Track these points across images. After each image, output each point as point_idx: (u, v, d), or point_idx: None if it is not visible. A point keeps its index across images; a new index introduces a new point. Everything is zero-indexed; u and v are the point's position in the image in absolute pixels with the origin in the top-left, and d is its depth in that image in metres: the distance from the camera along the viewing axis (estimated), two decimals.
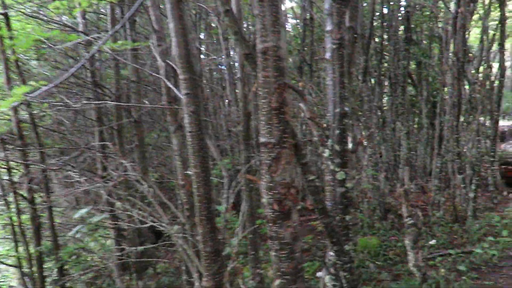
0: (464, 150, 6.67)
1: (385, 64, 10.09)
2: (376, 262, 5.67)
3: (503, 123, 19.63)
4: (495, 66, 9.79)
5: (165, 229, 3.67)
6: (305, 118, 4.42)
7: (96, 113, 5.99)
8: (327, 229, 2.41)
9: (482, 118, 7.88)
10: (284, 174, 2.14)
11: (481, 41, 8.89)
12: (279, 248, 2.21)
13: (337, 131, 2.59)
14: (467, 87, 7.31)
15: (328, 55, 2.63)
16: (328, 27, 2.62)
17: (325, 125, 2.81)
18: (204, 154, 2.53)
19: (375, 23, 9.59)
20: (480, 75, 8.04)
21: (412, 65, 11.45)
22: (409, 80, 11.21)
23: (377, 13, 9.31)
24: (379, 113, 8.59)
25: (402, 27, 9.57)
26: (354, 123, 10.58)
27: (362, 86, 6.44)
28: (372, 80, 8.65)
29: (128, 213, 3.92)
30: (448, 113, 6.05)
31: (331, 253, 2.55)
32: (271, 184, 2.15)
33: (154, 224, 3.78)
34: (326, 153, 2.59)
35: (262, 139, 2.11)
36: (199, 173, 2.51)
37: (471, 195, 5.95)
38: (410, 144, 10.01)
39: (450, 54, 6.13)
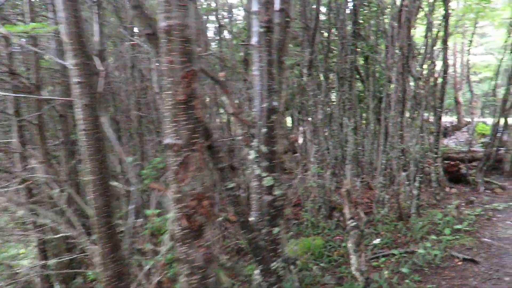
0: (409, 145, 6.61)
1: (333, 59, 9.96)
2: (320, 264, 5.44)
3: (446, 119, 20.38)
4: (439, 63, 9.93)
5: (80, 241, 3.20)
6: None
7: (14, 105, 5.29)
8: (250, 245, 2.04)
9: (426, 114, 7.89)
10: (194, 182, 1.73)
11: (426, 37, 8.95)
12: (189, 273, 1.81)
13: (264, 130, 2.21)
14: (412, 83, 7.30)
15: (254, 40, 2.25)
16: (254, 7, 2.23)
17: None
18: (102, 158, 2.07)
19: (323, 17, 9.43)
20: (425, 71, 8.08)
21: (360, 61, 11.44)
22: (357, 75, 11.18)
23: (325, 7, 9.13)
24: (327, 109, 8.43)
25: (350, 22, 9.47)
26: (305, 118, 10.31)
27: (307, 81, 6.17)
28: (321, 75, 8.47)
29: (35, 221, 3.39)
30: (393, 109, 5.93)
31: (257, 272, 2.20)
32: (178, 195, 1.74)
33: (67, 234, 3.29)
34: (252, 155, 2.22)
35: (166, 140, 1.70)
36: (95, 180, 2.05)
37: (415, 192, 5.87)
38: (357, 140, 9.96)
39: (396, 49, 5.99)
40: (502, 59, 10.62)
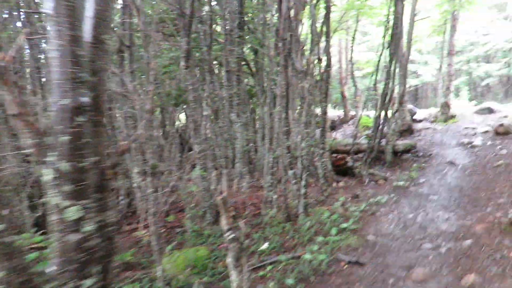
0: (297, 141, 6.36)
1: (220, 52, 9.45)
2: (203, 279, 4.86)
3: (334, 113, 21.33)
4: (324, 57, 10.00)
5: None
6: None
7: None
8: None
9: (313, 109, 7.77)
10: None
11: (311, 32, 8.90)
12: None
13: (65, 138, 1.51)
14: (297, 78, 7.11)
15: (49, 6, 1.52)
16: None
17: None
18: None
19: (207, 6, 8.83)
20: (311, 65, 7.98)
21: (251, 54, 11.12)
22: (248, 69, 10.86)
23: None
24: (213, 104, 7.88)
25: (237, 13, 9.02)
26: (189, 115, 9.59)
27: (184, 73, 5.51)
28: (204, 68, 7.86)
29: None
30: (278, 104, 5.59)
31: None
32: None
33: None
34: (47, 175, 1.50)
35: None
36: None
37: (302, 191, 5.61)
38: (249, 137, 9.60)
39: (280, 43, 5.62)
40: (380, 55, 11.17)
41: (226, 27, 8.28)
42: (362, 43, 24.68)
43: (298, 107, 6.31)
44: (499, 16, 30.01)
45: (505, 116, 14.32)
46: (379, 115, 9.26)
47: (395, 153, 11.36)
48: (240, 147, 8.25)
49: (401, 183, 8.21)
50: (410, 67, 32.24)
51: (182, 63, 5.46)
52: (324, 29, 8.74)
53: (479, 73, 32.58)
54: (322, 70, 7.08)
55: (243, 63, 10.10)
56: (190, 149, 10.35)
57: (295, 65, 5.74)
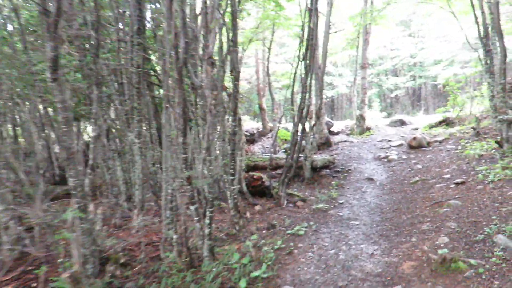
0: (199, 170, 5.36)
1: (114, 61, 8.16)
2: None
3: (253, 125, 20.75)
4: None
5: None
6: None
7: None
8: None
9: (222, 128, 6.86)
10: None
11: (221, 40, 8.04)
12: None
13: None
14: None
15: None
16: None
17: None
18: None
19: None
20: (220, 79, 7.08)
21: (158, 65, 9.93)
22: (157, 80, 9.68)
23: None
24: (101, 122, 6.60)
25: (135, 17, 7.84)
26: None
27: (53, 87, 4.27)
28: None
29: None
30: (173, 126, 4.57)
31: None
32: None
33: None
34: None
35: None
36: None
37: (206, 231, 4.62)
38: (155, 157, 8.38)
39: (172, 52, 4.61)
40: (296, 67, 10.68)
41: (120, 33, 7.08)
42: (280, 54, 24.58)
43: (200, 129, 5.34)
44: (405, 33, 31.97)
45: (416, 128, 14.71)
46: (296, 131, 8.63)
47: (314, 169, 10.89)
48: (139, 172, 7.04)
49: (320, 205, 7.59)
50: (326, 79, 33.15)
51: (48, 74, 4.21)
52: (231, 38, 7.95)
53: (388, 85, 34.42)
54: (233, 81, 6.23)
55: (151, 73, 8.92)
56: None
57: (192, 79, 4.77)
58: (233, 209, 5.69)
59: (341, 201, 8.01)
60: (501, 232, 4.56)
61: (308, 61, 8.23)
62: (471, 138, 10.45)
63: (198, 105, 5.16)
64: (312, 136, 10.97)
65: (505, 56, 8.34)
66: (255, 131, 19.06)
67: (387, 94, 37.50)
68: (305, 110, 8.64)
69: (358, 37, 16.60)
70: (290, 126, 15.90)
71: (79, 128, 10.36)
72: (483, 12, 8.60)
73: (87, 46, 6.44)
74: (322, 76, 11.96)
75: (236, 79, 5.49)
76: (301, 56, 8.55)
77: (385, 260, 4.53)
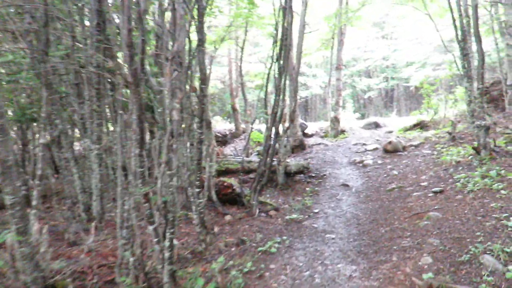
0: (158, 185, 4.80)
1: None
2: None
3: (225, 126, 20.20)
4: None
5: None
6: None
7: None
8: None
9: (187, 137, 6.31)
10: None
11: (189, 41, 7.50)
12: None
13: None
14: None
15: None
16: None
17: None
18: None
19: None
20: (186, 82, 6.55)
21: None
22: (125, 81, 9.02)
23: None
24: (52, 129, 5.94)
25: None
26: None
27: None
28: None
29: None
30: (131, 136, 4.01)
31: None
32: None
33: None
34: None
35: None
36: None
37: (166, 254, 4.09)
38: (116, 164, 7.74)
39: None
40: (270, 68, 10.23)
41: (75, 28, 6.44)
42: (254, 54, 24.11)
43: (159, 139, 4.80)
44: (378, 35, 32.11)
45: (391, 131, 14.54)
46: (269, 135, 8.16)
47: (288, 174, 10.48)
48: (98, 180, 6.41)
49: (294, 215, 7.15)
50: (300, 79, 32.93)
51: None
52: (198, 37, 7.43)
53: (361, 86, 34.55)
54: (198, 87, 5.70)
55: (117, 73, 8.27)
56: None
57: (150, 82, 4.23)
58: (199, 225, 5.16)
59: (316, 210, 7.60)
60: (488, 252, 4.23)
61: (282, 62, 7.78)
62: (447, 143, 10.27)
63: (159, 111, 4.60)
64: (286, 139, 10.56)
65: (483, 60, 8.14)
66: (227, 133, 18.53)
67: (361, 95, 37.69)
68: (278, 113, 8.20)
69: (333, 38, 16.32)
70: (263, 127, 15.46)
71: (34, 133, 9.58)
72: (461, 15, 8.38)
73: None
74: (297, 78, 11.57)
75: (203, 81, 4.96)
76: (275, 57, 8.08)
77: (364, 285, 4.11)
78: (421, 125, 13.48)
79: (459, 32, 8.50)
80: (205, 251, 5.22)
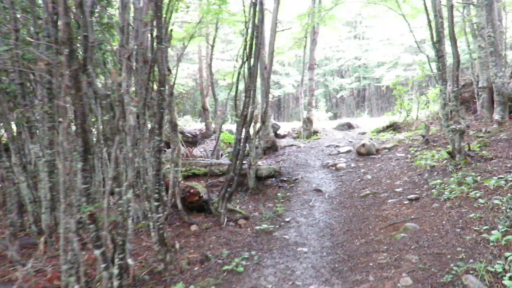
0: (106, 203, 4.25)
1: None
2: None
3: (195, 126, 19.59)
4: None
5: None
6: None
7: None
8: None
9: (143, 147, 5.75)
10: None
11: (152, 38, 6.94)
12: None
13: None
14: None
15: None
16: None
17: None
18: None
19: None
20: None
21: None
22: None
23: None
24: None
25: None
26: None
27: None
28: None
29: None
30: (64, 147, 3.44)
31: None
32: None
33: None
34: None
35: None
36: None
37: (115, 283, 3.56)
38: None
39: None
40: (240, 67, 9.77)
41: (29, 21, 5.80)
42: (226, 51, 23.56)
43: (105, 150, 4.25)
44: (350, 35, 32.14)
45: (364, 133, 14.34)
46: (239, 139, 7.69)
47: (259, 178, 10.06)
48: (47, 190, 5.78)
49: (264, 225, 6.71)
50: (273, 78, 32.60)
51: None
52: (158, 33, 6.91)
53: (334, 86, 34.56)
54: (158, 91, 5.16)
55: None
56: None
57: (94, 86, 3.68)
58: (158, 243, 4.63)
59: (287, 219, 7.20)
60: (471, 271, 3.91)
61: (252, 61, 7.32)
62: (421, 146, 10.09)
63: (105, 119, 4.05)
64: (257, 142, 10.13)
65: (458, 62, 7.94)
66: (197, 133, 17.93)
67: (333, 94, 37.75)
68: (248, 115, 7.75)
69: (305, 37, 15.99)
70: (234, 127, 14.98)
71: None
72: (436, 15, 8.14)
73: None
74: (269, 77, 11.14)
75: (161, 83, 4.43)
76: (245, 56, 7.61)
77: None
78: (394, 127, 13.34)
79: (434, 33, 8.27)
80: (164, 272, 4.70)
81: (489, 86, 10.89)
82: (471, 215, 5.29)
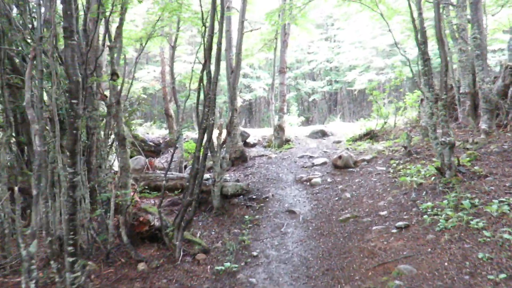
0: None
1: None
2: None
3: (159, 133, 18.18)
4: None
5: None
6: None
7: None
8: None
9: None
10: None
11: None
12: None
13: None
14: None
15: None
16: None
17: None
18: None
19: None
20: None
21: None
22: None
23: None
24: None
25: None
26: None
27: None
28: None
29: None
30: None
31: None
32: None
33: None
34: None
35: None
36: None
37: None
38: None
39: None
40: (203, 70, 8.58)
41: None
42: (192, 54, 22.26)
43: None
44: (322, 37, 31.43)
45: (339, 141, 13.38)
46: (197, 157, 6.46)
47: (225, 195, 8.89)
48: None
49: (227, 264, 5.54)
50: (244, 81, 31.48)
51: None
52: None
53: (306, 89, 33.77)
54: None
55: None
56: None
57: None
58: None
59: (255, 253, 6.04)
60: None
61: (215, 66, 6.15)
62: (403, 158, 9.16)
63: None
64: (222, 154, 8.96)
65: (446, 66, 7.03)
66: (161, 141, 16.55)
67: (305, 98, 37.00)
68: (209, 129, 6.55)
69: (276, 38, 14.94)
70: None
71: None
72: (420, 13, 7.21)
73: None
74: (235, 82, 9.98)
75: (72, 93, 3.18)
76: (203, 59, 6.43)
77: None
78: (370, 135, 12.42)
79: (419, 34, 7.33)
80: None
81: (471, 92, 10.12)
82: (478, 255, 4.28)
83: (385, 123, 12.73)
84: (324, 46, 31.90)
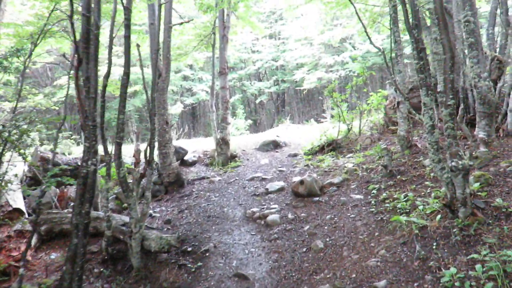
0: None
1: None
2: None
3: (80, 150, 15.00)
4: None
5: None
6: None
7: None
8: None
9: None
10: None
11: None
12: None
13: None
14: None
15: None
16: None
17: None
18: None
19: None
20: None
21: None
22: None
23: None
24: None
25: None
26: None
27: None
28: None
29: None
30: None
31: None
32: None
33: None
34: None
35: None
36: None
37: None
38: None
39: None
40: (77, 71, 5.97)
41: None
42: (116, 53, 19.20)
43: None
44: (266, 33, 29.24)
45: (295, 155, 11.10)
46: (77, 225, 3.86)
47: (147, 251, 6.31)
48: None
49: None
50: (184, 84, 28.63)
51: None
52: None
53: (252, 90, 31.54)
54: None
55: None
56: None
57: None
58: None
59: None
60: None
61: (90, 65, 3.59)
62: (383, 182, 7.00)
63: None
64: (144, 186, 6.40)
65: (452, 58, 4.89)
66: (79, 162, 13.44)
67: (251, 99, 34.78)
68: (89, 179, 3.93)
69: (213, 33, 12.43)
70: (129, 157, 10.86)
71: None
72: None
73: None
74: (165, 89, 7.35)
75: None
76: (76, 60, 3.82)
77: None
78: (333, 146, 10.25)
79: (410, 16, 5.16)
80: None
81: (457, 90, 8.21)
82: None
83: (349, 130, 10.63)
84: (269, 44, 29.80)
